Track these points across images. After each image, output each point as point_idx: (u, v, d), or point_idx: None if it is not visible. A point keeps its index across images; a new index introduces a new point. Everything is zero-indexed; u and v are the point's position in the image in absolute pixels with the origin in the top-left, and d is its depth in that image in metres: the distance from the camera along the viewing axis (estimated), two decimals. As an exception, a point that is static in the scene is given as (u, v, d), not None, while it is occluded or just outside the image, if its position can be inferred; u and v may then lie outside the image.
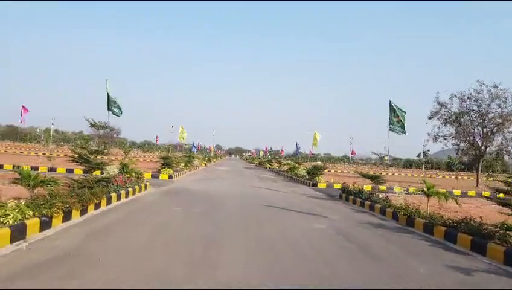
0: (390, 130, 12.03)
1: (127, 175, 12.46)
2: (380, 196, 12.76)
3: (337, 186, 20.09)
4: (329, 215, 10.01)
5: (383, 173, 45.39)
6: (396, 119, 11.78)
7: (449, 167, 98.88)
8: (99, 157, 10.76)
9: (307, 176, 23.71)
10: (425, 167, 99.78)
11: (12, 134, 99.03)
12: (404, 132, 11.89)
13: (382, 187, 20.12)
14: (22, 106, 18.89)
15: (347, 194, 14.07)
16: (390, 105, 11.99)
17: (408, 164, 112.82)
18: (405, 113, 11.81)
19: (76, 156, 9.57)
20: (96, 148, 9.94)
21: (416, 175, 50.68)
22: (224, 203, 10.92)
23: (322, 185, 20.10)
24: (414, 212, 9.15)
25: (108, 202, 9.36)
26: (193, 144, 44.55)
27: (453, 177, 51.66)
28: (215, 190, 14.84)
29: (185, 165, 27.19)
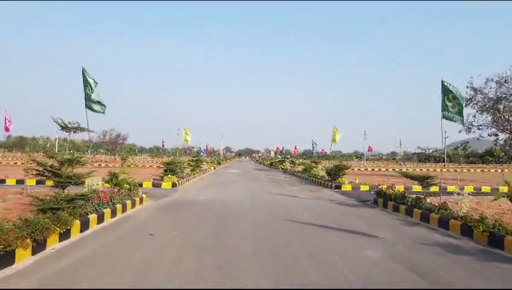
0: (444, 117, 9.44)
1: (116, 188, 10.23)
2: (428, 200, 10.25)
3: (364, 187, 17.59)
4: (374, 231, 7.56)
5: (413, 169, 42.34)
6: (451, 104, 9.21)
7: (467, 159, 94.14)
8: (81, 166, 8.52)
9: (326, 177, 21.20)
10: (442, 161, 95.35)
11: (23, 144, 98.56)
12: (461, 120, 9.33)
13: (416, 187, 17.50)
14: (6, 112, 16.88)
15: (385, 199, 11.57)
16: (443, 86, 9.36)
17: (423, 158, 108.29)
18: (464, 102, 9.17)
19: (40, 168, 7.33)
20: (70, 157, 7.69)
21: (439, 170, 47.41)
22: (236, 220, 8.57)
23: (346, 188, 17.58)
24: (498, 227, 6.64)
25: (84, 226, 7.10)
26: (200, 147, 42.33)
27: (479, 170, 48.27)
28: (224, 199, 12.52)
29: (192, 170, 24.98)
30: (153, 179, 18.03)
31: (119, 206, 9.09)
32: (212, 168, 38.84)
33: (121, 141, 62.74)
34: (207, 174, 29.22)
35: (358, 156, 75.75)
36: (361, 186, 17.74)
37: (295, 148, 54.18)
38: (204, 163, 34.78)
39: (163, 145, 46.88)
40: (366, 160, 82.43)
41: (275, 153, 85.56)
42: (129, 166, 30.15)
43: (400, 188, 17.11)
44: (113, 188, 10.22)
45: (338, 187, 17.72)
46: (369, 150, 48.56)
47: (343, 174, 19.37)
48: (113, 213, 8.66)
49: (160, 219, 8.84)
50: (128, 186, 10.56)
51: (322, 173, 22.84)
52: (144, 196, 11.48)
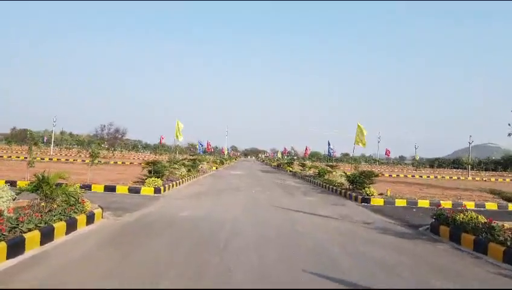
0: None
1: (46, 201, 6.59)
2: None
3: (401, 202, 13.72)
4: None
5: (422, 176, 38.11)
6: None
7: (480, 165, 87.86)
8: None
9: (347, 185, 17.41)
10: (448, 167, 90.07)
11: (23, 138, 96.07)
12: None
13: (469, 204, 13.60)
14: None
15: (453, 229, 7.73)
16: None
17: (436, 164, 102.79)
18: None
19: None
20: None
21: (464, 178, 42.95)
22: (224, 276, 4.81)
23: (377, 201, 13.72)
24: None
25: None
26: (200, 144, 38.42)
27: (500, 179, 43.64)
28: (216, 217, 8.81)
29: (188, 171, 21.38)
30: (132, 182, 14.43)
31: (33, 236, 5.43)
32: (214, 168, 35.27)
33: (120, 136, 59.45)
34: (205, 176, 25.57)
35: (371, 159, 71.29)
36: (396, 200, 13.87)
37: (306, 149, 49.72)
38: (205, 163, 31.17)
39: (160, 142, 43.36)
40: (379, 164, 77.78)
41: (282, 153, 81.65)
42: (98, 163, 26.80)
43: (446, 204, 13.26)
44: (40, 201, 6.58)
45: (366, 200, 13.88)
46: (386, 154, 44.44)
47: (370, 183, 15.54)
48: (14, 251, 5.00)
49: (95, 263, 5.13)
50: (67, 197, 6.90)
51: (341, 179, 19.05)
52: (97, 211, 7.83)
